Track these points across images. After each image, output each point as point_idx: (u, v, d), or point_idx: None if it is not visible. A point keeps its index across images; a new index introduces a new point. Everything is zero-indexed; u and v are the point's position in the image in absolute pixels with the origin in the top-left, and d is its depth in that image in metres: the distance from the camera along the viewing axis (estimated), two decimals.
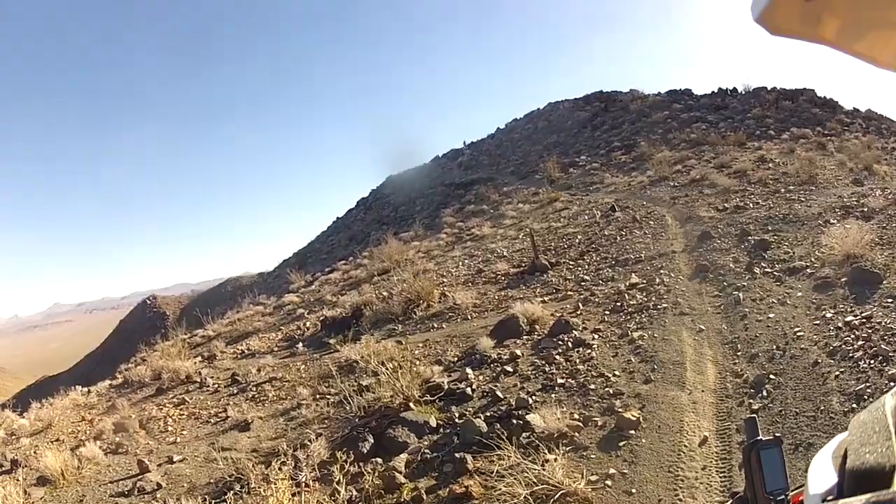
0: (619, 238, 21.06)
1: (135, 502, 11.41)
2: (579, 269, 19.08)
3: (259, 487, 9.11)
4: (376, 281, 26.70)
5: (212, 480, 11.45)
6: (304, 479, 9.30)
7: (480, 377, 12.93)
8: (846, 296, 12.53)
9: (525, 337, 14.46)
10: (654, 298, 14.90)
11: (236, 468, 10.90)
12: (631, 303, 14.97)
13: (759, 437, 1.80)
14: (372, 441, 11.02)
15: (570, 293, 17.04)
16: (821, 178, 23.43)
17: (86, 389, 21.70)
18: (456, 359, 14.51)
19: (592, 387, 11.22)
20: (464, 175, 48.01)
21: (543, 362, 12.80)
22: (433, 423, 11.21)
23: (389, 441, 10.83)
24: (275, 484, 8.60)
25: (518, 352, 13.56)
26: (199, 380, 18.59)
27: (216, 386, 17.82)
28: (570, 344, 13.28)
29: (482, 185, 41.38)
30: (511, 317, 15.13)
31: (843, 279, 13.28)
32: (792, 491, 1.77)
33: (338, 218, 62.24)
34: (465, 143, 63.71)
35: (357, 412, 12.10)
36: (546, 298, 17.19)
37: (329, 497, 9.00)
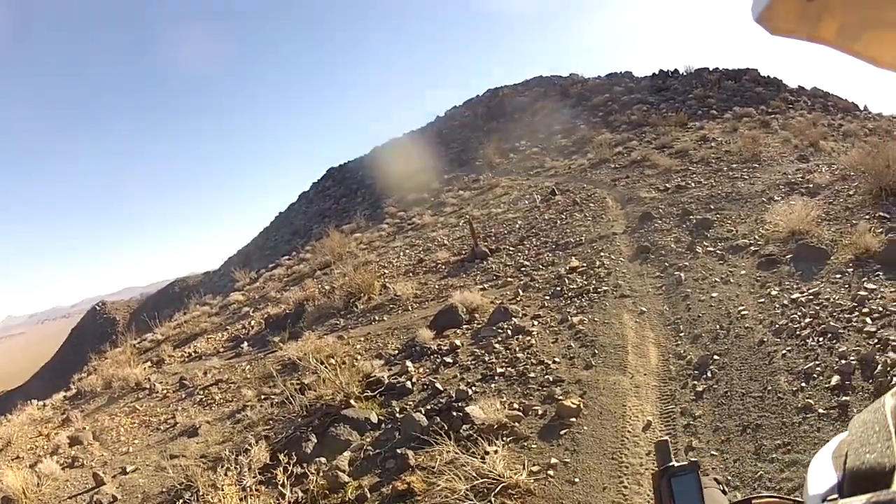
0: (559, 222, 20.83)
1: None
2: (519, 254, 18.85)
3: (207, 495, 8.97)
4: (319, 275, 26.43)
5: (164, 489, 11.24)
6: (248, 484, 9.18)
7: (420, 370, 12.73)
8: (792, 273, 12.36)
9: (465, 326, 14.25)
10: (594, 282, 14.68)
11: (186, 476, 10.76)
12: (571, 287, 14.75)
13: (670, 463, 1.68)
14: (315, 440, 10.85)
15: (510, 279, 16.80)
16: (765, 155, 23.34)
17: (41, 403, 21.28)
18: (396, 352, 14.27)
19: (532, 375, 10.98)
20: (405, 164, 47.68)
21: (483, 352, 12.58)
22: (374, 419, 11.03)
23: (332, 439, 10.62)
24: (222, 490, 8.52)
25: (458, 342, 13.33)
26: (148, 386, 18.31)
27: (165, 391, 17.53)
28: (509, 332, 13.06)
29: (423, 173, 40.79)
30: (450, 306, 14.88)
31: (788, 256, 13.13)
32: None
33: (280, 213, 61.60)
34: (404, 134, 62.85)
35: (300, 412, 11.93)
36: (486, 286, 16.95)
37: (275, 500, 8.88)
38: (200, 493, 9.36)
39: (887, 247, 11.80)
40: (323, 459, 10.11)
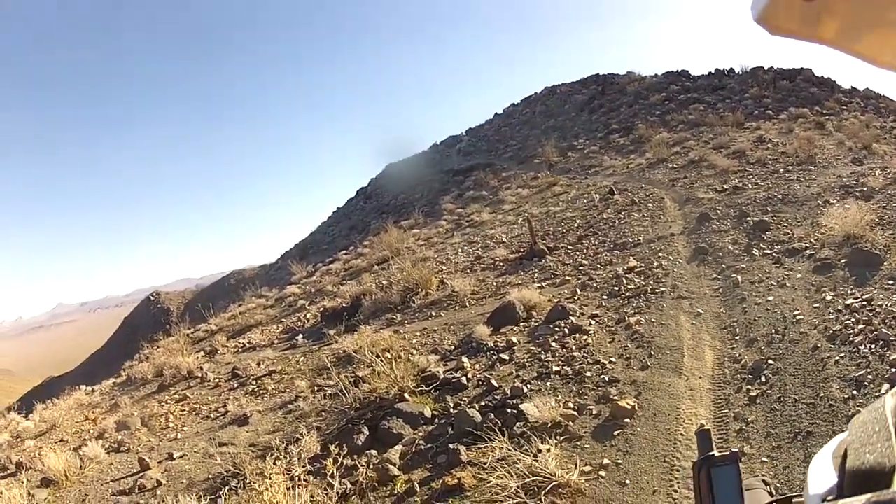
0: (617, 221, 20.89)
1: (135, 500, 11.40)
2: (577, 253, 18.96)
3: (254, 483, 8.96)
4: (376, 270, 26.63)
5: (210, 476, 11.44)
6: (297, 474, 9.12)
7: (476, 366, 12.88)
8: (846, 278, 12.36)
9: (522, 324, 14.40)
10: (651, 282, 14.79)
11: (234, 463, 10.91)
12: (629, 287, 14.86)
13: (711, 453, 1.62)
14: (367, 433, 10.97)
15: (567, 278, 16.95)
16: (820, 157, 23.12)
17: (90, 389, 21.81)
18: (452, 347, 14.46)
19: (588, 374, 11.12)
20: (462, 161, 47.62)
21: (539, 349, 12.72)
22: (428, 413, 11.15)
23: (384, 433, 10.76)
24: (269, 479, 8.50)
25: (514, 339, 13.50)
26: (200, 375, 18.62)
27: (217, 381, 17.83)
28: (566, 330, 13.19)
29: (481, 170, 41.04)
30: (508, 304, 15.03)
31: (842, 260, 13.10)
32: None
33: (338, 208, 61.67)
34: (464, 130, 63.35)
35: (353, 404, 12.09)
36: (544, 284, 17.10)
37: (323, 491, 8.92)
38: (248, 482, 9.43)
39: None
40: (374, 452, 10.28)
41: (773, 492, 1.86)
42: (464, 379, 12.18)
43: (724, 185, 21.67)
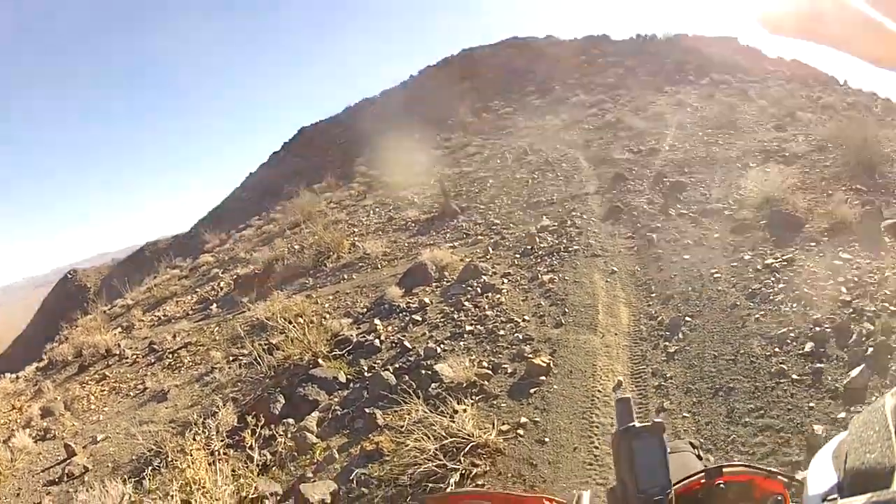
0: (530, 181, 20.51)
1: (65, 489, 10.91)
2: (490, 213, 18.52)
3: (176, 460, 8.61)
4: (288, 235, 25.86)
5: (134, 457, 10.97)
6: (216, 448, 8.87)
7: (389, 328, 12.49)
8: (766, 238, 12.20)
9: (434, 284, 14.00)
10: (565, 241, 14.42)
11: (155, 442, 10.58)
12: (542, 246, 14.50)
13: (632, 423, 1.53)
14: (283, 401, 10.63)
15: (480, 238, 16.53)
16: (741, 122, 23.01)
17: (14, 376, 20.79)
18: (365, 310, 14.02)
19: (502, 333, 10.77)
20: (377, 123, 46.91)
21: (452, 309, 12.35)
22: (343, 378, 10.84)
23: (300, 400, 10.44)
24: (191, 455, 8.15)
25: (427, 300, 13.09)
26: (118, 352, 17.91)
27: (135, 357, 17.22)
28: (479, 289, 12.83)
29: (395, 132, 40.05)
30: (420, 264, 14.63)
31: (762, 222, 12.94)
32: (680, 482, 1.61)
33: (251, 174, 60.09)
34: (378, 93, 61.82)
35: (268, 372, 11.76)
36: (456, 244, 16.69)
37: (243, 464, 8.65)
38: (169, 460, 9.15)
39: (862, 219, 11.76)
40: (291, 421, 9.96)
41: (701, 454, 1.84)
42: (377, 341, 11.84)
43: (641, 147, 21.40)
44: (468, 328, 11.28)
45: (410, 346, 11.21)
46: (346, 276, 17.16)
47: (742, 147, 19.30)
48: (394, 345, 11.55)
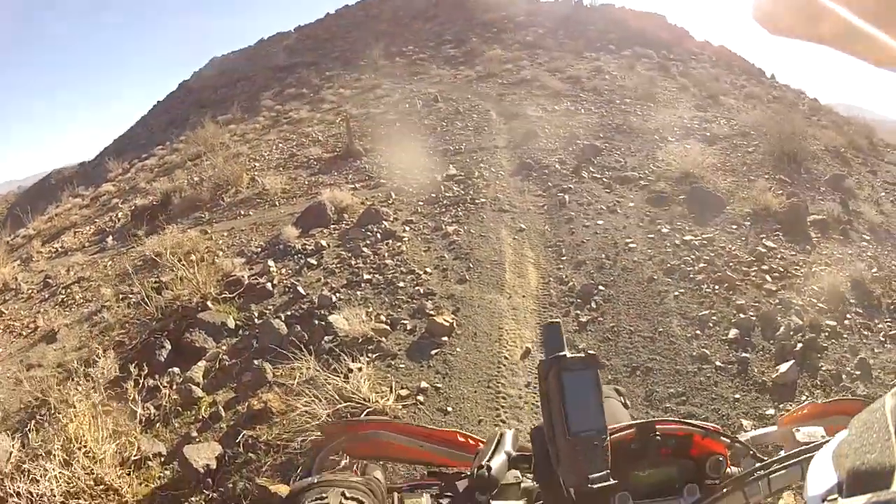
0: (438, 129, 19.68)
1: None
2: (394, 157, 17.58)
3: (60, 412, 7.72)
4: (189, 166, 24.45)
5: (22, 406, 9.84)
6: (97, 401, 7.88)
7: (283, 270, 11.58)
8: (684, 214, 11.79)
9: (332, 226, 13.05)
10: (472, 192, 13.69)
11: (41, 390, 9.42)
12: (447, 195, 13.72)
13: (563, 353, 1.36)
14: (169, 348, 9.66)
15: (382, 181, 15.64)
16: (661, 97, 22.47)
17: None
18: (259, 249, 13.03)
19: (401, 285, 10.06)
20: (288, 59, 45.36)
21: (350, 255, 11.52)
22: (231, 324, 9.99)
23: (187, 346, 9.51)
24: (74, 407, 7.34)
25: (324, 242, 12.15)
26: (14, 287, 16.43)
27: (30, 291, 15.79)
28: (379, 235, 12.05)
29: (305, 68, 39.12)
30: (319, 204, 13.65)
31: (680, 197, 12.51)
32: (616, 433, 1.50)
33: (158, 102, 57.62)
34: (293, 27, 59.77)
35: (155, 314, 10.76)
36: (357, 185, 15.78)
37: (126, 419, 7.79)
38: (53, 412, 8.21)
39: (788, 210, 11.59)
40: (177, 370, 9.06)
41: (628, 403, 1.91)
42: (269, 285, 10.96)
43: (556, 107, 20.75)
44: (366, 276, 10.51)
45: (304, 293, 10.39)
46: (242, 213, 16.10)
47: (661, 121, 18.73)
48: (287, 290, 10.71)
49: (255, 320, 9.91)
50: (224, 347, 9.43)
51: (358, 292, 10.07)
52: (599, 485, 1.27)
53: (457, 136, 18.66)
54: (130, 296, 12.61)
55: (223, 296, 10.83)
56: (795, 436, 1.62)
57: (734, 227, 11.02)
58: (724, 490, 1.50)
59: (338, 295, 10.04)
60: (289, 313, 9.84)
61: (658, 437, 1.52)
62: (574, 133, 17.29)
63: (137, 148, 37.96)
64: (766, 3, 0.76)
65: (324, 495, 1.21)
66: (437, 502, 1.52)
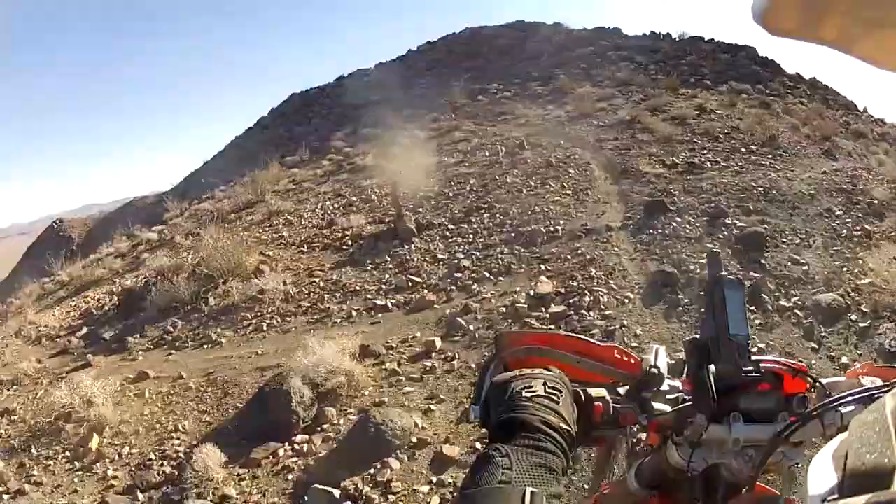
0: (525, 190, 12.68)
1: None
2: (460, 238, 10.69)
3: None
4: (232, 219, 17.69)
5: None
6: None
7: None
8: None
9: (295, 445, 6.12)
10: (577, 324, 7.06)
11: None
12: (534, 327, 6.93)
13: (723, 274, 1.42)
14: None
15: (429, 296, 8.69)
16: (782, 141, 15.80)
17: None
18: (161, 477, 6.17)
19: None
20: (367, 95, 38.98)
21: None
22: None
23: None
24: None
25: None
26: None
27: None
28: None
29: (382, 106, 31.42)
30: (279, 387, 6.45)
31: None
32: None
33: (237, 136, 49.18)
34: (373, 65, 51.89)
35: None
36: (388, 301, 8.98)
37: None
38: None
39: None
40: None
41: None
42: None
43: (674, 158, 13.71)
44: None
45: None
46: (216, 335, 9.33)
47: (807, 179, 12.50)
48: None
49: None
50: None
51: None
52: (741, 342, 1.35)
53: (549, 202, 11.70)
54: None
55: None
56: (861, 381, 1.50)
57: None
58: (808, 417, 1.35)
59: None
60: None
61: (761, 374, 1.41)
62: (717, 205, 10.45)
63: (202, 186, 31.37)
64: (767, 4, 0.64)
65: (531, 384, 1.14)
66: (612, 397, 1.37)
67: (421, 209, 12.44)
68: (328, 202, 16.01)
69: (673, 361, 1.43)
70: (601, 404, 1.31)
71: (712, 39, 36.30)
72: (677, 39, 37.05)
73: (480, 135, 20.75)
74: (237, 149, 40.92)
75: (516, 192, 12.66)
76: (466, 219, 11.49)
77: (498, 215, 11.39)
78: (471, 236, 10.58)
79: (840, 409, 1.34)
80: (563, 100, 24.33)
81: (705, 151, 14.30)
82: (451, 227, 11.24)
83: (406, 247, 10.60)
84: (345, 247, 11.68)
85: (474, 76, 34.60)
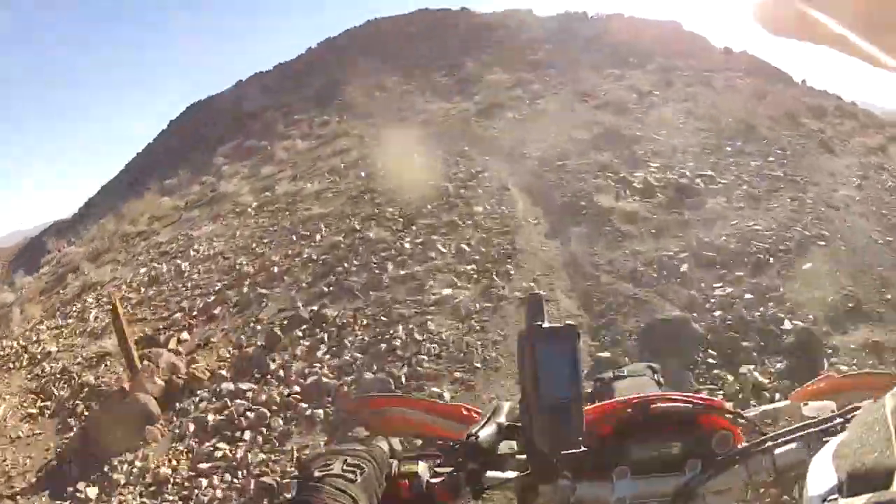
0: (411, 250, 6.99)
1: None
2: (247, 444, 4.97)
3: None
4: (70, 280, 12.32)
5: None
6: None
7: None
8: None
9: None
10: None
11: None
12: None
13: (539, 323, 1.09)
14: None
15: None
16: (759, 126, 11.46)
17: None
18: None
19: None
20: (260, 101, 32.42)
21: None
22: None
23: None
24: None
25: None
26: None
27: None
28: None
29: (273, 111, 26.83)
30: None
31: None
32: (611, 408, 1.24)
33: (137, 153, 39.94)
34: (273, 66, 45.70)
35: None
36: None
37: None
38: None
39: None
40: None
41: (661, 380, 1.44)
42: None
43: (633, 174, 8.51)
44: None
45: None
46: None
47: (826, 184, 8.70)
48: None
49: None
50: None
51: None
52: (568, 451, 1.06)
53: (432, 291, 6.11)
54: None
55: None
56: (802, 410, 1.25)
57: None
58: (724, 464, 1.20)
59: None
60: None
61: (653, 416, 1.21)
62: (757, 254, 5.85)
63: (95, 214, 24.58)
64: (766, 4, 0.60)
65: (329, 463, 1.00)
66: (434, 470, 1.13)
67: (211, 323, 6.55)
68: (139, 277, 10.47)
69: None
70: (407, 481, 1.07)
71: (632, 17, 31.62)
72: (594, 17, 32.59)
73: (368, 139, 15.66)
74: (133, 169, 33.05)
75: (396, 253, 6.91)
76: (303, 338, 5.72)
77: (351, 326, 5.63)
78: (292, 403, 4.85)
79: (772, 450, 1.12)
80: (471, 90, 19.44)
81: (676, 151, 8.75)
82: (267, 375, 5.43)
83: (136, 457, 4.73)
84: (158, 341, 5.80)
85: (374, 70, 28.86)
